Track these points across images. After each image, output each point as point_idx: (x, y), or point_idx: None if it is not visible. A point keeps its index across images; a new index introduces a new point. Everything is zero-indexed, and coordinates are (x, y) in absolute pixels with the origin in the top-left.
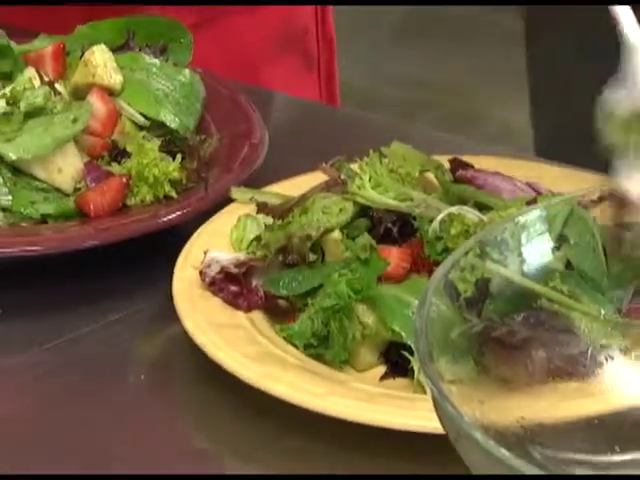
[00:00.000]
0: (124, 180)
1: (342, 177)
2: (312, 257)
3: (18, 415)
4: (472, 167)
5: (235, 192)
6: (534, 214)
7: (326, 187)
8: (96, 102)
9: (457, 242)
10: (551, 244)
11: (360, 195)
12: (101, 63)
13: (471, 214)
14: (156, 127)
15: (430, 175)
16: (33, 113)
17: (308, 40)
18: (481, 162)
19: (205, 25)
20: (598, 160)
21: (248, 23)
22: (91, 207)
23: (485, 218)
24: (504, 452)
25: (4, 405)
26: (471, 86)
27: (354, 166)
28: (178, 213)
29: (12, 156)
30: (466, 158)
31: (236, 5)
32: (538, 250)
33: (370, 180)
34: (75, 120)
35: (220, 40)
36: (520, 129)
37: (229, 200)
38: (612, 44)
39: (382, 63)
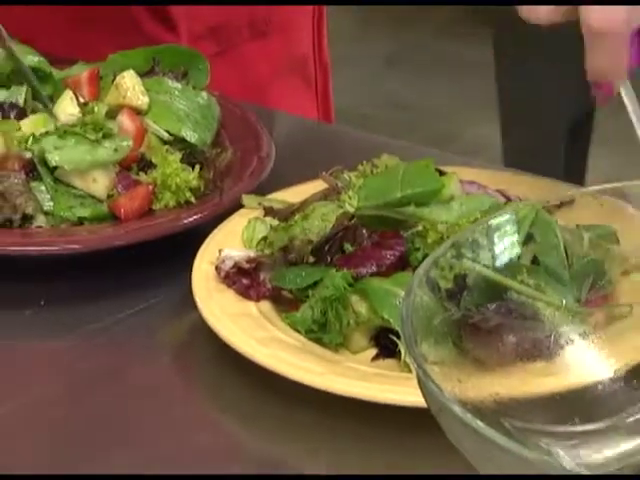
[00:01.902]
0: (150, 188)
1: (339, 185)
2: (311, 259)
3: (58, 392)
4: None
5: (245, 199)
6: (504, 217)
7: (324, 194)
8: (126, 120)
9: (434, 249)
10: (519, 243)
11: (349, 204)
12: (130, 86)
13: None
14: (178, 142)
15: None
16: (70, 129)
17: (307, 67)
18: (459, 173)
19: (221, 55)
20: (557, 171)
21: (257, 53)
22: (122, 211)
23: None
24: (479, 423)
25: (45, 384)
26: (450, 109)
27: (352, 174)
28: (197, 216)
29: (54, 163)
30: (446, 169)
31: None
32: (508, 248)
33: (361, 189)
34: (116, 150)
35: (233, 67)
36: (491, 145)
37: (240, 205)
38: (574, 74)
39: (373, 88)
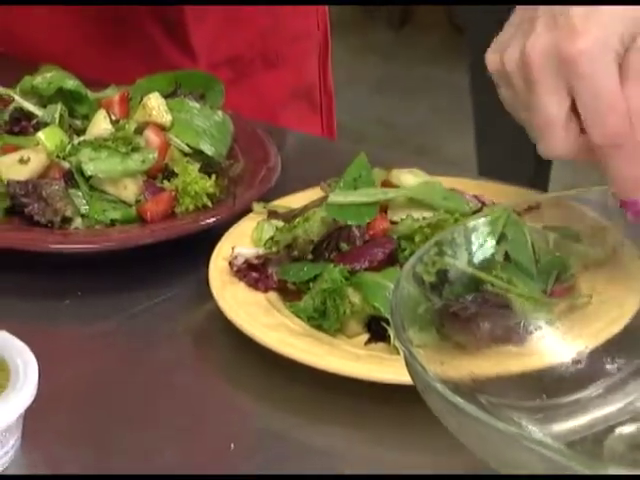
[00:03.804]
0: (173, 194)
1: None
2: (312, 256)
3: (93, 371)
4: None
5: (255, 205)
6: (480, 219)
7: (323, 200)
8: (152, 135)
9: (419, 247)
10: (493, 242)
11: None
12: (156, 106)
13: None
14: (197, 154)
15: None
16: (103, 143)
17: (313, 94)
18: (440, 180)
19: (235, 82)
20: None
21: (268, 81)
22: (148, 214)
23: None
24: (459, 399)
25: (82, 364)
26: (431, 126)
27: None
28: (213, 219)
29: (89, 173)
30: (429, 177)
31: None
32: (483, 246)
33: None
34: (143, 161)
35: (246, 92)
36: (468, 157)
37: (250, 209)
38: None
39: (366, 109)
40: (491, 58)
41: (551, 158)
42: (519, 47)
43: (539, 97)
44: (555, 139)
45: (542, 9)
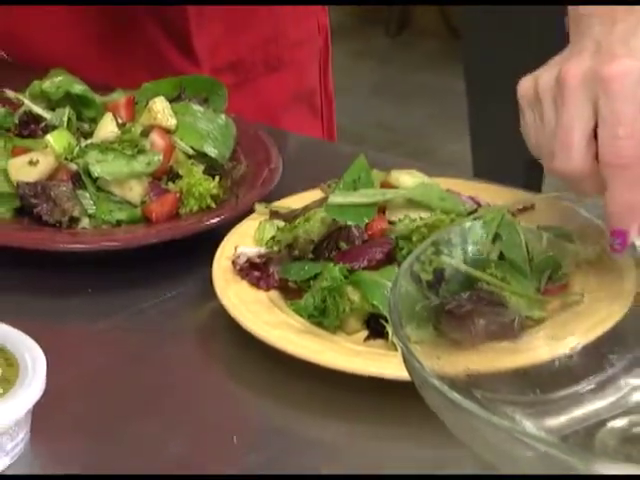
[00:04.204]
0: (177, 195)
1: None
2: (311, 256)
3: (102, 366)
4: None
5: (257, 205)
6: (476, 220)
7: (322, 201)
8: (157, 138)
9: (416, 247)
10: (488, 241)
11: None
12: (161, 110)
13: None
14: (200, 156)
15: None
16: (110, 145)
17: (314, 98)
18: (437, 182)
19: (238, 86)
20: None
21: (270, 85)
22: (153, 215)
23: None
24: (455, 394)
25: (92, 359)
26: (427, 129)
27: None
28: (216, 219)
29: (96, 174)
30: (426, 179)
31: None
32: (478, 246)
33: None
34: (149, 163)
35: (249, 95)
36: (463, 159)
37: (253, 210)
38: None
39: (365, 113)
40: (525, 82)
41: (563, 176)
42: (557, 70)
43: (566, 111)
44: (573, 157)
45: (590, 38)
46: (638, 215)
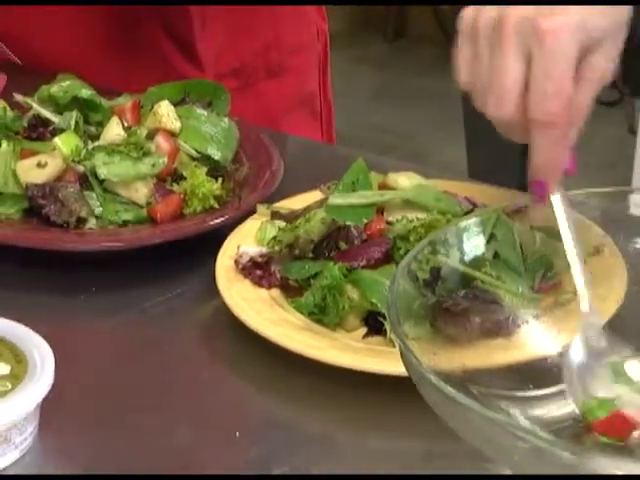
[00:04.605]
0: (181, 196)
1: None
2: (312, 255)
3: (107, 361)
4: None
5: (259, 206)
6: (471, 220)
7: (322, 202)
8: (162, 141)
9: (414, 246)
10: (483, 241)
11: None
12: (165, 113)
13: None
14: (204, 159)
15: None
16: (116, 148)
17: (314, 102)
18: (434, 183)
19: (240, 90)
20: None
21: (271, 90)
22: (158, 215)
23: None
24: (450, 389)
25: (97, 354)
26: (425, 132)
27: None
28: (219, 219)
29: (103, 176)
30: (423, 181)
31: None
32: (474, 245)
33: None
34: (154, 165)
35: (251, 100)
36: (459, 161)
37: (255, 210)
38: None
39: (363, 117)
40: (468, 13)
41: (497, 120)
42: (498, 9)
43: (502, 57)
44: (505, 103)
45: None
46: (558, 171)
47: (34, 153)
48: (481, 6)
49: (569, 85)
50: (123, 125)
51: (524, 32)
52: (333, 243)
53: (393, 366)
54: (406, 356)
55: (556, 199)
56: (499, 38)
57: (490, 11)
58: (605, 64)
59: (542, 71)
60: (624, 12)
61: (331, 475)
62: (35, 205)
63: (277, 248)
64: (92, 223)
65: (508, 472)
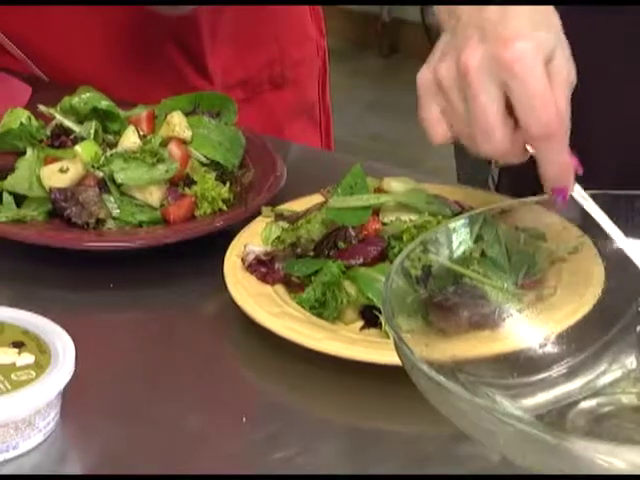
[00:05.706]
0: (193, 199)
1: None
2: (312, 254)
3: (124, 351)
4: None
5: (264, 208)
6: (460, 221)
7: (322, 205)
8: (174, 148)
9: (407, 246)
10: (471, 241)
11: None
12: (178, 123)
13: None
14: (213, 164)
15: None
16: (132, 155)
17: (314, 110)
18: (425, 188)
19: (247, 101)
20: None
21: (276, 99)
22: (171, 217)
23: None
24: (441, 378)
25: (115, 345)
26: (417, 141)
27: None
28: (227, 221)
29: (120, 180)
30: (416, 185)
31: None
32: (463, 245)
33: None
34: (167, 171)
35: (257, 109)
36: (448, 168)
37: (260, 213)
38: None
39: (359, 126)
40: (424, 76)
41: (493, 154)
42: (454, 61)
43: (478, 100)
44: (495, 137)
45: (471, 26)
46: (571, 173)
47: (57, 159)
48: (432, 64)
49: (550, 94)
50: (139, 134)
51: (490, 71)
52: (332, 242)
53: (388, 356)
54: (400, 347)
55: (578, 194)
56: (468, 84)
57: (446, 64)
58: (567, 63)
59: (523, 94)
60: (557, 19)
61: (331, 475)
62: (58, 207)
63: (280, 247)
64: (110, 224)
65: (496, 456)
